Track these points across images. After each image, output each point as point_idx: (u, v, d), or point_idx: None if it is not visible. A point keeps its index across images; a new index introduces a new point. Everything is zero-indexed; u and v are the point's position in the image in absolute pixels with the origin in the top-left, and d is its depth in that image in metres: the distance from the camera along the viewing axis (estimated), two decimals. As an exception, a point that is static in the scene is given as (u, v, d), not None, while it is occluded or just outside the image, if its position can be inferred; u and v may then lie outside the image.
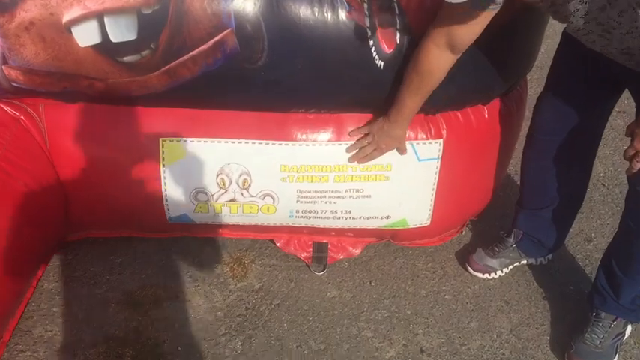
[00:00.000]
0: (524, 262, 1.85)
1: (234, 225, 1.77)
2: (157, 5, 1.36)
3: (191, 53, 1.42)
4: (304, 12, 1.41)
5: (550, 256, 1.86)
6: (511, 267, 1.83)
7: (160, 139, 1.58)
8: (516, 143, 1.90)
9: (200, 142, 1.59)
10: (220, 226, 1.78)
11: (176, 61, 1.43)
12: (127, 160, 1.62)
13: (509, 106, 1.75)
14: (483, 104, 1.68)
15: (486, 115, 1.69)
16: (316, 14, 1.41)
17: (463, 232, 1.95)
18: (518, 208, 1.82)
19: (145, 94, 1.50)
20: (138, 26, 1.38)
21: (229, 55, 1.43)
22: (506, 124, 1.75)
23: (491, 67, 1.57)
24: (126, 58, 1.42)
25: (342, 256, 1.84)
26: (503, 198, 2.08)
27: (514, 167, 2.05)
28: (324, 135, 1.60)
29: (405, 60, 1.45)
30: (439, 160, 1.66)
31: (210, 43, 1.41)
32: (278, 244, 1.81)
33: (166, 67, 1.44)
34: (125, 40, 1.39)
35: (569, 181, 1.68)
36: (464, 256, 1.87)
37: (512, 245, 1.81)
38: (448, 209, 1.78)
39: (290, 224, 1.76)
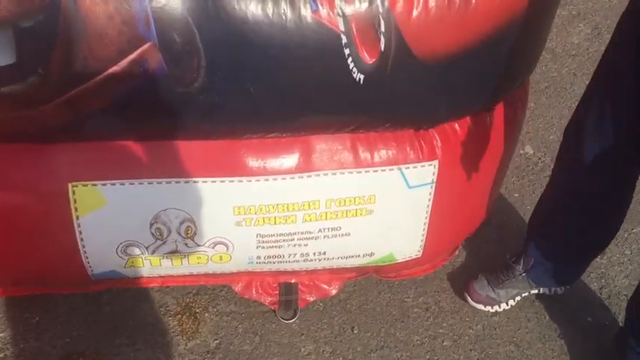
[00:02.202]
0: (535, 291, 1.56)
1: (178, 275, 1.42)
2: (41, 15, 0.95)
3: (97, 77, 1.02)
4: (254, 12, 1.01)
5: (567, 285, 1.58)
6: (518, 298, 1.53)
7: (70, 185, 1.19)
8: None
9: (124, 184, 1.20)
10: (161, 277, 1.43)
11: (77, 89, 1.03)
12: (32, 209, 1.22)
13: (514, 107, 1.43)
14: (485, 111, 1.35)
15: (488, 123, 1.36)
16: (271, 15, 1.02)
17: (457, 253, 1.65)
18: (529, 234, 1.52)
19: (43, 131, 1.12)
20: (17, 45, 0.97)
21: (153, 77, 1.03)
22: (509, 129, 1.43)
23: (500, 66, 1.23)
24: (4, 89, 1.02)
25: (314, 298, 1.52)
26: (499, 202, 1.78)
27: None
28: (288, 165, 1.24)
29: (392, 69, 1.10)
30: (433, 185, 1.33)
31: (124, 62, 1.01)
32: (236, 290, 1.47)
33: (64, 97, 1.04)
34: (0, 65, 0.99)
35: (603, 215, 1.38)
36: (460, 283, 1.57)
37: (521, 274, 1.52)
38: (443, 236, 1.46)
39: (250, 270, 1.42)
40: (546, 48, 2.51)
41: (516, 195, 1.86)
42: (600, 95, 1.30)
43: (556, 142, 2.01)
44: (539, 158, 2.00)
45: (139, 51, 1.00)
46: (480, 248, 1.69)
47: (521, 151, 1.98)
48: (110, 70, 1.01)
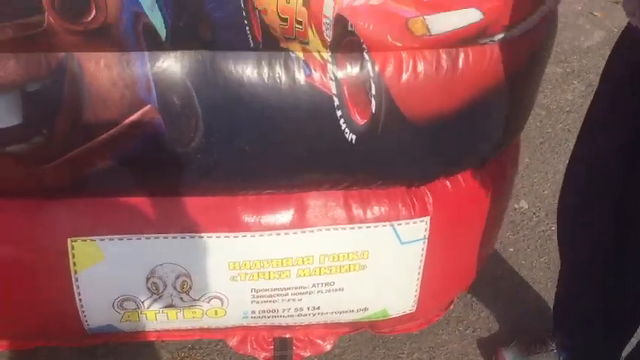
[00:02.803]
0: None
1: (174, 329, 1.43)
2: (47, 79, 1.00)
3: (99, 138, 1.06)
4: (249, 76, 1.06)
5: None
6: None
7: (69, 240, 1.22)
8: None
9: (122, 239, 1.22)
10: (157, 331, 1.44)
11: (79, 149, 1.07)
12: (31, 263, 1.24)
13: (505, 164, 1.46)
14: (476, 168, 1.38)
15: (479, 181, 1.39)
16: (266, 79, 1.07)
17: (451, 307, 1.66)
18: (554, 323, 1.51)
19: (45, 188, 1.15)
20: (23, 107, 1.02)
21: (152, 137, 1.07)
22: (500, 185, 1.45)
23: (488, 126, 1.27)
24: (9, 148, 1.07)
25: (309, 354, 1.52)
26: (494, 257, 1.79)
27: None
28: (283, 221, 1.27)
29: (383, 129, 1.14)
30: (425, 241, 1.35)
31: (125, 124, 1.05)
32: (230, 344, 1.48)
33: (67, 156, 1.08)
34: (6, 126, 1.03)
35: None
36: (454, 338, 1.57)
37: (552, 350, 1.49)
38: (436, 292, 1.47)
39: (245, 324, 1.43)
40: (541, 105, 2.58)
41: (511, 250, 1.88)
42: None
43: (551, 196, 2.05)
44: (534, 213, 2.03)
45: (139, 113, 1.05)
46: (474, 303, 1.70)
47: (516, 206, 2.01)
48: (112, 131, 1.06)
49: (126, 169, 1.11)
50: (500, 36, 1.11)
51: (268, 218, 1.26)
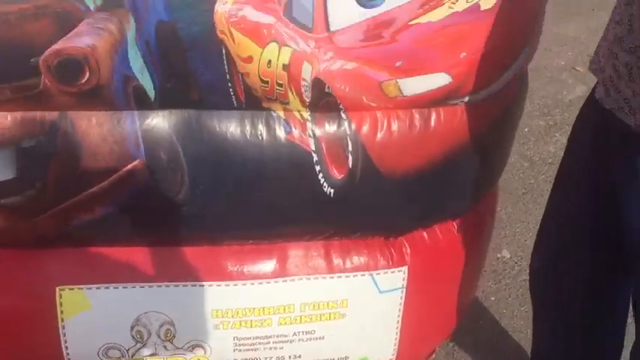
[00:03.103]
0: None
1: (158, 377, 1.46)
2: (42, 136, 1.07)
3: (89, 191, 1.12)
4: (233, 133, 1.13)
5: None
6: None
7: (57, 288, 1.26)
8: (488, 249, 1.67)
9: (109, 288, 1.26)
10: (141, 378, 1.46)
11: (70, 201, 1.13)
12: (20, 311, 1.28)
13: (482, 215, 1.52)
14: (453, 219, 1.44)
15: (456, 232, 1.44)
16: (248, 136, 1.14)
17: (433, 356, 1.68)
18: None
19: (35, 238, 1.20)
20: (17, 162, 1.08)
21: (140, 190, 1.13)
22: (477, 236, 1.51)
23: (462, 180, 1.34)
24: (3, 201, 1.12)
25: (292, 401, 1.54)
26: (475, 305, 1.83)
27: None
28: (265, 270, 1.31)
29: (360, 184, 1.21)
30: (404, 290, 1.40)
31: (114, 178, 1.12)
32: (214, 391, 1.50)
33: (58, 208, 1.14)
34: (1, 180, 1.09)
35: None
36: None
37: None
38: (416, 340, 1.50)
39: (227, 372, 1.46)
40: (524, 156, 2.66)
41: (492, 298, 1.92)
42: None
43: (532, 246, 2.09)
44: (516, 262, 2.07)
45: (128, 167, 1.11)
46: (456, 352, 1.73)
47: (498, 255, 2.06)
48: (101, 185, 1.11)
49: (114, 220, 1.16)
50: (469, 97, 1.19)
51: (251, 267, 1.31)
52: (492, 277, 1.96)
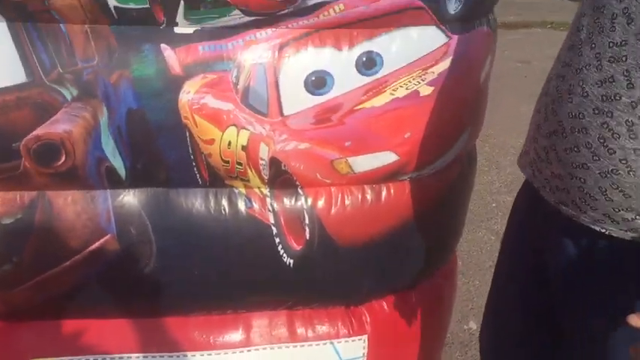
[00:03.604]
0: None
1: None
2: (20, 214, 1.16)
3: (63, 264, 1.20)
4: (198, 209, 1.23)
5: None
6: None
7: (30, 361, 1.32)
8: (451, 315, 1.73)
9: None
10: None
11: (45, 275, 1.21)
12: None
13: (439, 284, 1.60)
14: (410, 289, 1.52)
15: (414, 301, 1.51)
16: (212, 211, 1.23)
17: None
18: None
19: (10, 310, 1.27)
20: (-4, 238, 1.17)
21: (111, 263, 1.21)
22: (436, 305, 1.58)
23: (415, 251, 1.43)
24: (-20, 275, 1.20)
25: None
26: None
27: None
28: (231, 340, 1.36)
29: (318, 254, 1.29)
30: (364, 358, 1.45)
31: (87, 251, 1.20)
32: None
33: (32, 281, 1.21)
34: (-21, 255, 1.18)
35: None
36: None
37: None
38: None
39: None
40: (492, 230, 2.77)
41: (460, 369, 1.96)
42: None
43: (499, 318, 2.16)
44: (484, 333, 2.13)
45: (100, 241, 1.19)
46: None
47: (465, 327, 2.11)
48: (75, 258, 1.20)
49: (86, 292, 1.23)
50: (416, 173, 1.30)
51: (218, 337, 1.37)
52: (459, 349, 2.01)
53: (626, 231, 1.04)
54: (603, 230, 1.06)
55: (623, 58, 0.94)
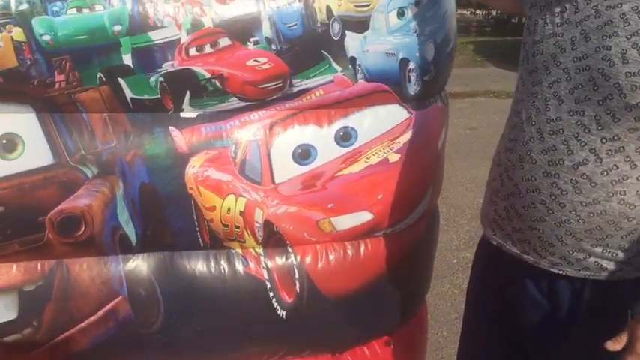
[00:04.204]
0: None
1: None
2: (41, 281, 1.29)
3: (79, 325, 1.32)
4: (200, 269, 1.38)
5: None
6: None
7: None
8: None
9: (90, 418, 1.43)
10: None
11: (62, 336, 1.32)
12: None
13: (412, 331, 1.75)
14: (388, 335, 1.67)
15: (392, 346, 1.67)
16: (213, 271, 1.39)
17: None
18: None
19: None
20: (19, 305, 1.29)
21: (122, 322, 1.34)
22: (412, 349, 1.74)
23: (391, 299, 1.59)
24: (4, 339, 1.30)
25: None
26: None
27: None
28: (230, 390, 1.51)
29: (307, 306, 1.45)
30: (352, 401, 1.59)
31: (101, 312, 1.33)
32: None
33: (50, 343, 1.33)
34: (3, 320, 1.29)
35: None
36: None
37: None
38: None
39: None
40: (455, 284, 2.96)
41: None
42: None
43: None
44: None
45: (113, 303, 1.32)
46: None
47: (437, 376, 2.27)
48: (89, 319, 1.32)
49: (99, 350, 1.35)
50: (390, 229, 1.49)
51: (217, 389, 1.49)
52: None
53: (579, 270, 1.24)
54: (561, 272, 1.25)
55: (560, 131, 1.18)
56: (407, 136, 1.44)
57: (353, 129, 1.38)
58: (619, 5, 1.11)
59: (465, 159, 4.56)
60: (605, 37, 1.12)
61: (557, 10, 1.18)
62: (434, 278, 3.06)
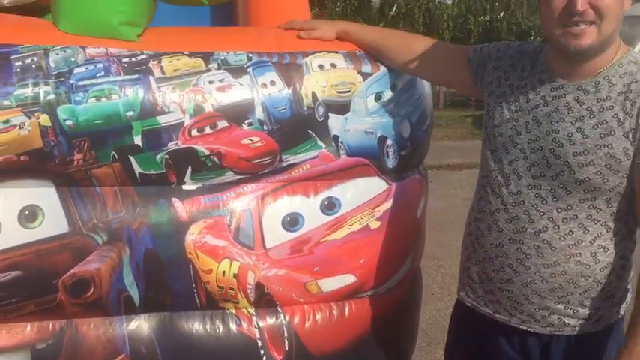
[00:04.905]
0: None
1: None
2: (52, 339, 1.41)
3: (84, 381, 1.44)
4: (197, 328, 1.50)
5: None
6: None
7: None
8: None
9: None
10: None
11: (68, 390, 1.44)
12: None
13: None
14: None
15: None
16: (208, 330, 1.51)
17: None
18: None
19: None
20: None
21: (124, 374, 1.46)
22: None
23: (380, 356, 1.69)
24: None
25: None
26: None
27: None
28: None
29: (296, 362, 1.56)
30: None
31: (106, 367, 1.45)
32: None
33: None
34: (16, 373, 1.41)
35: None
36: None
37: None
38: None
39: None
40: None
41: None
42: None
43: None
44: None
45: (116, 360, 1.45)
46: None
47: None
48: (94, 373, 1.44)
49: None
50: (373, 291, 1.61)
51: None
52: None
53: (545, 327, 1.37)
54: (530, 329, 1.38)
55: (522, 203, 1.34)
56: (386, 206, 1.59)
57: (337, 199, 1.53)
58: (563, 96, 1.30)
59: (460, 229, 4.65)
60: (553, 123, 1.30)
61: (512, 99, 1.37)
62: (428, 345, 3.16)
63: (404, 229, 1.67)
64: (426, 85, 1.69)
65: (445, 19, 14.64)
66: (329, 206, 1.53)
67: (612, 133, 1.24)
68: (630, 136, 1.23)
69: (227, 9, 2.07)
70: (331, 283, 1.56)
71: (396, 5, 14.73)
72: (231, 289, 1.49)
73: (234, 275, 1.48)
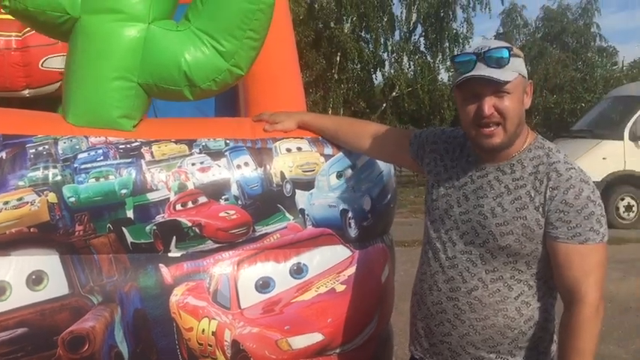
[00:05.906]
0: None
1: None
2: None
3: None
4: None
5: None
6: None
7: None
8: None
9: None
10: None
11: None
12: None
13: None
14: None
15: None
16: (190, 384, 1.68)
17: None
18: None
19: None
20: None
21: None
22: None
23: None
24: None
25: None
26: None
27: None
28: None
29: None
30: None
31: (96, 419, 1.61)
32: None
33: None
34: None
35: None
36: None
37: None
38: None
39: None
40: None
41: None
42: None
43: None
44: None
45: (106, 411, 1.61)
46: None
47: None
48: None
49: None
50: (340, 349, 1.78)
51: None
52: None
53: None
54: None
55: (456, 266, 1.55)
56: (350, 271, 1.79)
57: (304, 264, 1.74)
58: (486, 175, 1.54)
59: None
60: (479, 198, 1.53)
61: (446, 177, 1.61)
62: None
63: (368, 292, 1.86)
64: (387, 165, 1.93)
65: (446, 99, 15.27)
66: (297, 271, 1.74)
67: (526, 207, 1.47)
68: (540, 209, 1.46)
69: (230, 94, 2.35)
70: (301, 341, 1.73)
71: (397, 87, 15.41)
72: (210, 345, 1.67)
73: (213, 333, 1.67)
